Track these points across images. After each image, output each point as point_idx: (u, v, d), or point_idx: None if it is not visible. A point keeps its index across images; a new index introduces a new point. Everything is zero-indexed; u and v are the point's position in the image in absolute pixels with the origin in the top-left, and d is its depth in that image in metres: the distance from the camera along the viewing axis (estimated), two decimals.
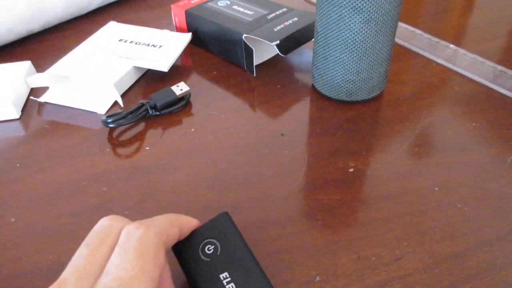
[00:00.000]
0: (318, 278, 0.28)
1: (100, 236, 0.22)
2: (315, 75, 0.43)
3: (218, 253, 0.25)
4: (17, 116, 0.42)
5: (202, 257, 0.25)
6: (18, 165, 0.37)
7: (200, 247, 0.26)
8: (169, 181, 0.35)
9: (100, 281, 0.20)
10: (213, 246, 0.26)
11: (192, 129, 0.41)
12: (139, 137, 0.40)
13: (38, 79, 0.44)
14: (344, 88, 0.41)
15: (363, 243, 0.30)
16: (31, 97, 0.44)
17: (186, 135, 0.40)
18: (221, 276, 0.24)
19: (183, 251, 0.26)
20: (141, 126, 0.41)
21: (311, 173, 0.35)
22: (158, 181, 0.35)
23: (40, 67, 0.50)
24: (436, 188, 0.34)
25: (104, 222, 0.23)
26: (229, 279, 0.24)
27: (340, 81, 0.41)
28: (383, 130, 0.40)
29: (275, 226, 0.31)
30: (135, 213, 0.32)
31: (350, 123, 0.40)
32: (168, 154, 0.38)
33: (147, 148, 0.39)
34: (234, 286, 0.24)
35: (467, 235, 0.30)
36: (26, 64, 0.46)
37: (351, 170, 0.36)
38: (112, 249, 0.22)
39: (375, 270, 0.28)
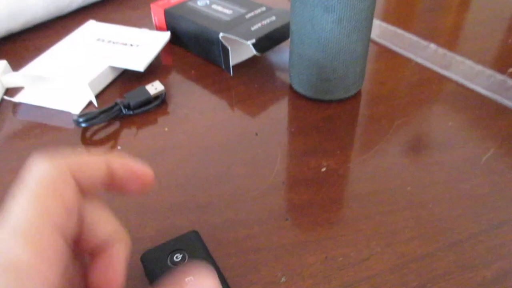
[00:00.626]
0: (283, 279, 0.27)
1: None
2: (292, 74, 0.43)
3: (186, 261, 0.26)
4: None
5: (170, 264, 0.26)
6: None
7: (169, 256, 0.27)
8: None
9: None
10: (181, 255, 0.27)
11: (166, 129, 0.40)
12: (112, 136, 0.39)
13: (13, 79, 0.43)
14: (320, 87, 0.41)
15: (332, 243, 0.29)
16: (5, 97, 0.44)
17: (159, 134, 0.39)
18: (186, 280, 0.24)
19: (150, 260, 0.27)
20: (115, 125, 0.41)
21: (283, 173, 0.35)
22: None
23: (18, 67, 0.49)
24: (409, 188, 0.33)
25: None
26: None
27: (316, 80, 0.40)
28: (358, 129, 0.39)
29: (243, 226, 0.31)
30: None
31: (326, 122, 0.40)
32: (140, 154, 0.37)
33: (119, 147, 0.38)
34: None
35: (437, 235, 0.30)
36: (2, 64, 0.46)
37: (324, 169, 0.35)
38: None
39: (342, 271, 0.28)
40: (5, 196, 0.34)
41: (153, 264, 0.26)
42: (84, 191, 0.19)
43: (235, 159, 0.36)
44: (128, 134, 0.40)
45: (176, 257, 0.27)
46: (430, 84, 0.45)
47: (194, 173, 0.35)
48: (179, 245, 0.27)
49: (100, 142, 0.39)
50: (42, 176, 0.17)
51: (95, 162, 0.20)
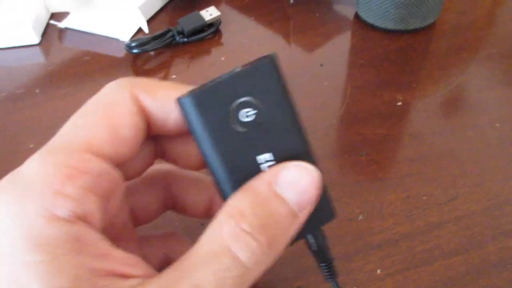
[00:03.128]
0: (361, 217, 0.25)
1: None
2: (360, 1, 0.38)
3: (261, 123, 0.16)
4: (37, 41, 0.39)
5: (233, 125, 0.16)
6: (37, 91, 0.35)
7: (231, 108, 0.16)
8: None
9: None
10: (253, 111, 0.16)
11: (222, 58, 0.37)
12: (165, 65, 0.37)
13: (59, 2, 0.41)
14: (394, 14, 0.36)
15: (413, 181, 0.27)
16: (51, 22, 0.41)
17: (215, 64, 0.37)
18: (259, 157, 0.16)
19: (200, 107, 0.15)
20: (167, 54, 0.38)
21: (354, 106, 0.32)
22: None
23: None
24: (498, 125, 0.30)
25: None
26: (272, 162, 0.16)
27: (390, 5, 0.36)
28: (436, 61, 0.35)
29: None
30: None
31: (398, 54, 0.36)
32: (196, 84, 0.35)
33: (173, 76, 0.36)
34: None
35: None
36: None
37: (399, 103, 0.32)
38: None
39: (426, 210, 0.25)
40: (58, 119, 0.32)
41: (203, 117, 0.15)
42: (156, 115, 0.16)
43: (300, 91, 0.33)
44: (181, 63, 0.37)
45: (247, 114, 0.16)
46: None
47: None
48: (249, 90, 0.16)
49: (152, 71, 0.36)
50: (97, 95, 0.16)
51: (171, 90, 0.16)
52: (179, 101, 0.16)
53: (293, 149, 0.16)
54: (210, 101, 0.15)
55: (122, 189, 0.16)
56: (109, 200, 0.15)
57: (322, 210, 0.17)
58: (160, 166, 0.20)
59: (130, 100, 0.15)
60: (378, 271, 0.23)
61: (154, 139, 0.18)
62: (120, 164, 0.15)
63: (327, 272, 0.19)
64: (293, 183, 0.14)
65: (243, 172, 0.16)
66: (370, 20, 0.38)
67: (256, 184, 0.15)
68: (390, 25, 0.37)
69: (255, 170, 0.16)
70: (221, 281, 0.13)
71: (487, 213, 0.25)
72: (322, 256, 0.18)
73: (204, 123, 0.15)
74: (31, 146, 0.30)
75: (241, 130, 0.16)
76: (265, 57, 0.16)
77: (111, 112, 0.15)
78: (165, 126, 0.16)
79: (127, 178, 0.17)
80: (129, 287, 0.13)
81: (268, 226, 0.14)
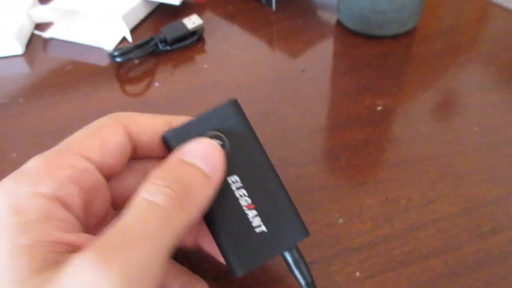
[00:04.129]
0: (341, 220, 0.25)
1: None
2: (341, 8, 0.39)
3: (226, 152, 0.19)
4: (21, 51, 0.39)
5: None
6: (21, 100, 0.35)
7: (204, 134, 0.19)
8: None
9: None
10: (219, 142, 0.19)
11: (205, 66, 0.37)
12: (149, 73, 0.37)
13: (42, 13, 0.41)
14: (374, 21, 0.37)
15: (392, 185, 0.27)
16: (36, 32, 0.41)
17: (198, 71, 0.37)
18: (229, 179, 0.19)
19: (178, 141, 0.19)
20: (151, 62, 0.38)
21: (334, 111, 0.32)
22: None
23: (44, 1, 0.47)
24: (476, 128, 0.30)
25: None
26: (239, 184, 0.19)
27: (369, 12, 0.36)
28: (416, 67, 0.36)
29: (295, 166, 0.28)
30: None
31: (379, 60, 0.36)
32: (179, 91, 0.35)
33: (156, 84, 0.36)
34: (245, 193, 0.19)
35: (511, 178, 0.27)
36: None
37: (379, 108, 0.32)
38: None
39: (405, 213, 0.25)
40: (41, 129, 0.32)
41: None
42: (144, 146, 0.20)
43: (282, 97, 0.34)
44: (165, 70, 0.37)
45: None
46: (495, 19, 0.40)
47: None
48: (216, 125, 0.19)
49: (136, 79, 0.37)
50: (94, 122, 0.19)
51: (151, 116, 0.20)
52: (163, 136, 0.19)
53: (257, 171, 0.19)
54: (186, 135, 0.19)
55: (107, 195, 0.19)
56: (93, 197, 0.18)
57: (295, 229, 0.19)
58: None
59: (118, 124, 0.19)
60: (357, 273, 0.23)
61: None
62: (108, 175, 0.19)
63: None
64: (200, 152, 0.18)
65: (221, 199, 0.19)
66: (351, 26, 0.39)
67: (167, 160, 0.18)
68: (370, 31, 0.38)
69: (229, 190, 0.19)
70: (145, 224, 0.15)
71: (465, 215, 0.25)
72: (302, 274, 0.20)
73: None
74: (14, 155, 0.30)
75: None
76: (228, 100, 0.20)
77: (101, 130, 0.19)
78: (150, 150, 0.20)
79: (117, 205, 0.20)
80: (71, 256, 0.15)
81: (180, 180, 0.17)
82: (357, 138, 0.30)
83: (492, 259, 0.23)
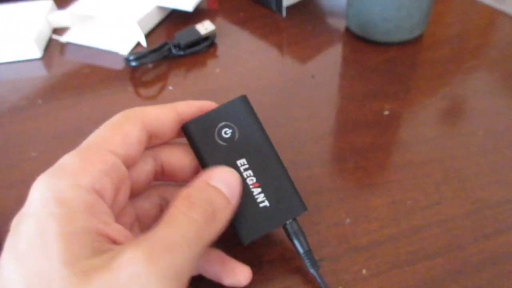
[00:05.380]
0: (348, 221, 0.26)
1: None
2: (350, 15, 0.40)
3: (236, 139, 0.23)
4: (39, 55, 0.41)
5: (218, 140, 0.23)
6: (40, 102, 0.36)
7: (216, 129, 0.23)
8: None
9: None
10: (230, 130, 0.23)
11: (217, 70, 0.38)
12: (162, 77, 0.38)
13: (60, 18, 0.43)
14: (382, 28, 0.38)
15: (398, 187, 0.28)
16: (54, 36, 0.43)
17: (211, 75, 0.38)
18: (238, 162, 0.22)
19: (196, 130, 0.23)
20: (164, 66, 0.39)
21: (343, 115, 0.33)
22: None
23: (63, 6, 0.48)
24: (480, 133, 0.31)
25: None
26: (246, 166, 0.22)
27: (378, 19, 0.37)
28: (423, 73, 0.37)
29: (304, 168, 0.29)
30: None
31: (386, 66, 0.37)
32: (192, 94, 0.36)
33: (170, 87, 0.37)
34: (251, 174, 0.22)
35: None
36: (48, 3, 0.45)
37: (387, 113, 0.33)
38: None
39: (411, 214, 0.26)
40: (60, 129, 0.33)
41: (199, 138, 0.23)
42: (156, 128, 0.22)
43: (292, 101, 0.35)
44: (178, 75, 0.38)
45: (225, 132, 0.23)
46: (501, 27, 0.41)
47: None
48: (228, 117, 0.23)
49: (150, 82, 0.38)
50: (113, 117, 0.21)
51: (164, 107, 0.23)
52: (182, 126, 0.23)
53: (262, 154, 0.23)
54: (202, 125, 0.23)
55: (128, 185, 0.21)
56: (119, 188, 0.20)
57: (294, 204, 0.22)
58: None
59: (136, 118, 0.21)
60: (364, 271, 0.24)
61: (155, 159, 0.23)
62: (128, 165, 0.21)
63: (308, 260, 0.23)
64: (222, 179, 0.20)
65: None
66: (359, 33, 0.40)
67: (196, 181, 0.20)
68: (378, 38, 0.39)
69: (238, 172, 0.22)
70: (185, 232, 0.18)
71: (469, 217, 0.26)
72: (300, 243, 0.22)
73: (198, 140, 0.23)
74: (34, 154, 0.32)
75: (223, 144, 0.23)
76: (238, 96, 0.23)
77: (123, 126, 0.21)
78: (161, 137, 0.23)
79: (132, 192, 0.22)
80: (118, 248, 0.17)
81: (211, 201, 0.19)
82: (365, 141, 0.31)
83: (495, 259, 0.24)
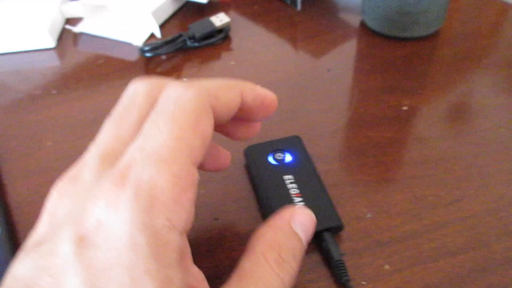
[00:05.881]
0: (369, 215, 0.26)
1: (126, 104, 0.18)
2: (366, 9, 0.39)
3: (285, 161, 0.27)
4: (53, 45, 0.40)
5: (270, 161, 0.27)
6: (54, 92, 0.36)
7: (270, 153, 0.28)
8: None
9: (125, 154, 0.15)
10: (282, 155, 0.27)
11: (232, 63, 0.38)
12: (176, 68, 0.38)
13: (73, 9, 0.42)
14: (399, 23, 0.37)
15: (419, 182, 0.27)
16: (67, 26, 0.42)
17: (226, 68, 0.38)
18: (284, 177, 0.26)
19: (253, 154, 0.28)
20: (179, 58, 0.39)
21: (360, 110, 0.33)
22: None
23: None
24: (502, 130, 0.31)
25: (134, 86, 0.18)
26: (292, 180, 0.26)
27: (395, 14, 0.37)
28: (441, 68, 0.36)
29: (322, 162, 0.29)
30: None
31: (403, 61, 0.37)
32: None
33: (184, 79, 0.37)
34: (296, 187, 0.26)
35: None
36: None
37: (405, 108, 0.33)
38: (144, 118, 0.17)
39: (433, 210, 0.26)
40: (75, 119, 0.33)
41: (255, 158, 0.28)
42: (218, 118, 0.18)
43: (308, 94, 0.34)
44: (192, 66, 0.38)
45: (278, 156, 0.27)
46: None
47: None
48: (282, 146, 0.28)
49: (164, 74, 0.37)
50: (184, 105, 0.16)
51: (231, 89, 0.19)
52: (244, 150, 0.28)
53: (307, 175, 0.26)
54: (259, 150, 0.28)
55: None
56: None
57: (331, 217, 0.24)
58: None
59: (209, 108, 0.17)
60: (386, 266, 0.23)
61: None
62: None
63: (341, 270, 0.23)
64: (303, 224, 0.20)
65: (275, 187, 0.26)
66: (376, 27, 0.39)
67: (281, 223, 0.20)
68: (395, 33, 0.38)
69: (283, 185, 0.26)
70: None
71: (492, 214, 0.26)
72: (334, 254, 0.23)
73: (254, 161, 0.28)
74: (50, 144, 0.31)
75: (275, 163, 0.27)
76: (294, 135, 0.29)
77: (200, 124, 0.16)
78: (223, 118, 0.19)
79: None
80: None
81: (295, 255, 0.19)
82: (383, 136, 0.31)
83: None
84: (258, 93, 0.20)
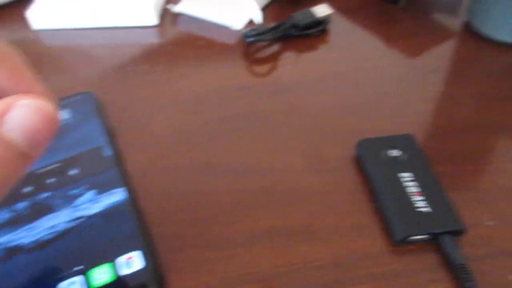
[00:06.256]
0: (491, 222, 0.25)
1: None
2: (475, 10, 0.38)
3: (401, 158, 0.27)
4: (156, 22, 0.41)
5: (384, 156, 0.27)
6: (160, 68, 0.37)
7: (385, 148, 0.27)
8: (313, 103, 0.33)
9: None
10: (398, 152, 0.27)
11: (334, 55, 0.38)
12: (274, 56, 0.38)
13: None
14: None
15: None
16: (167, 6, 0.43)
17: (321, 60, 0.37)
18: (400, 174, 0.26)
19: (367, 147, 0.28)
20: (277, 46, 0.39)
21: (472, 115, 0.32)
22: (302, 101, 0.33)
23: None
24: None
25: None
26: (411, 178, 0.26)
27: (510, 17, 0.35)
28: None
29: (436, 163, 0.28)
30: (284, 127, 0.31)
31: None
32: (306, 77, 0.36)
33: (288, 67, 0.36)
34: (416, 185, 0.25)
35: None
36: None
37: None
38: None
39: None
40: (183, 96, 0.34)
41: (369, 151, 0.28)
42: None
43: (412, 93, 0.34)
44: (289, 56, 0.38)
45: (393, 152, 0.27)
46: None
47: (372, 102, 0.33)
48: (395, 143, 0.28)
49: (264, 60, 0.37)
50: None
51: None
52: (357, 143, 0.28)
53: (423, 173, 0.26)
54: (373, 144, 0.28)
55: None
56: None
57: (452, 219, 0.24)
58: None
59: None
60: (511, 277, 0.23)
61: None
62: None
63: (465, 274, 0.22)
64: (22, 124, 0.15)
65: (392, 183, 0.26)
66: (485, 30, 0.38)
67: None
68: (507, 39, 0.37)
69: (398, 182, 0.26)
70: None
71: None
72: (456, 257, 0.23)
73: (368, 154, 0.28)
74: (160, 118, 0.32)
75: (390, 159, 0.27)
76: (407, 133, 0.29)
77: None
78: None
79: None
80: None
81: None
82: (503, 144, 0.29)
83: None
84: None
